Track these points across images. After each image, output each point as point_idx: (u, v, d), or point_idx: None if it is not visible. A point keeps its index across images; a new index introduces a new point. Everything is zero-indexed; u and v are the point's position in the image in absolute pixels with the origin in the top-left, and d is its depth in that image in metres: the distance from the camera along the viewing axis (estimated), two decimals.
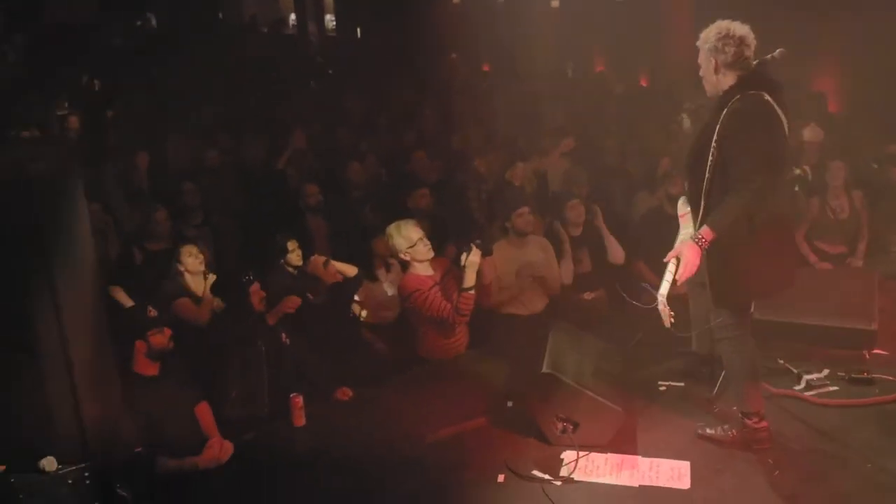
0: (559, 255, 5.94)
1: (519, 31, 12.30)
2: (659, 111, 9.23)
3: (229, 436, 4.27)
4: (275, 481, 4.01)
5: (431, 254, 5.18)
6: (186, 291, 5.30)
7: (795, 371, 4.62)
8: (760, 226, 3.60)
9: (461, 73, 12.63)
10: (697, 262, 3.59)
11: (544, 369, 4.02)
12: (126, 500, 3.30)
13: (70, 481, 3.09)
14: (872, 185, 6.96)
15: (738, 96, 3.57)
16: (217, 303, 5.24)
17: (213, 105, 10.09)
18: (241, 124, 9.47)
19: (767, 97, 3.58)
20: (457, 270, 5.06)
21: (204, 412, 4.31)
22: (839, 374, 4.58)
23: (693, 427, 4.13)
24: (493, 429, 4.32)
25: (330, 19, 18.07)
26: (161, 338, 4.18)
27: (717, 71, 3.67)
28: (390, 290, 5.68)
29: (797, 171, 6.62)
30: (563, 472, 3.88)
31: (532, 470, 3.91)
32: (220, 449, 4.16)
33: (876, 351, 4.80)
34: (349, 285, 5.49)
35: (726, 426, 4.03)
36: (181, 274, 5.36)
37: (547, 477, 3.85)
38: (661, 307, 3.72)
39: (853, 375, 4.55)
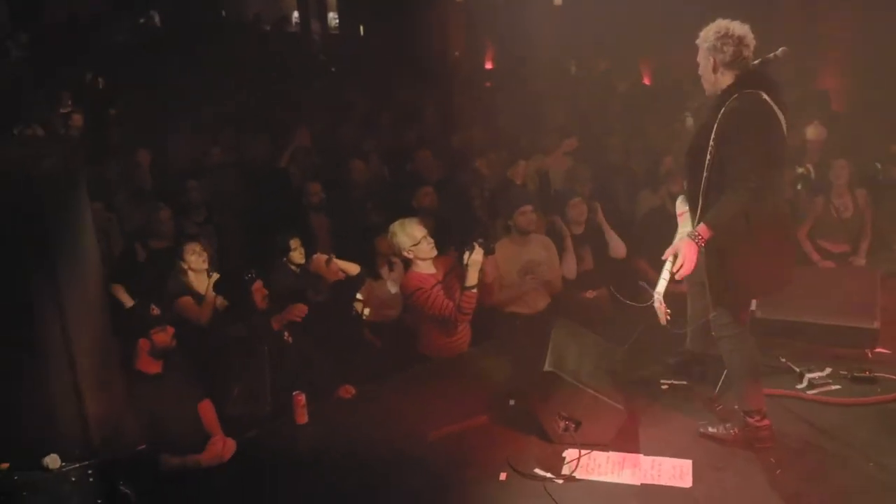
0: (561, 250, 5.95)
1: (522, 29, 12.29)
2: (662, 109, 9.23)
3: (232, 433, 4.27)
4: (277, 479, 4.02)
5: (435, 252, 5.18)
6: (189, 289, 5.31)
7: (797, 370, 4.61)
8: (758, 224, 3.61)
9: (464, 72, 12.63)
10: (695, 258, 3.61)
11: (546, 367, 4.02)
12: (129, 498, 3.32)
13: (73, 479, 3.11)
14: (876, 183, 6.95)
15: (736, 95, 3.58)
16: (220, 301, 5.25)
17: (216, 103, 10.09)
18: (244, 122, 9.49)
19: (765, 96, 3.59)
20: (459, 269, 5.06)
21: (207, 410, 4.31)
22: (841, 372, 4.58)
23: (695, 426, 4.13)
24: (495, 427, 4.32)
25: (333, 17, 18.06)
26: (164, 336, 4.18)
27: (715, 70, 3.68)
28: (393, 289, 5.68)
29: (800, 170, 6.63)
30: (565, 470, 3.88)
31: (534, 468, 3.91)
32: (222, 447, 4.17)
33: (878, 349, 4.80)
34: (351, 283, 5.50)
35: (728, 425, 4.04)
36: (184, 272, 5.37)
37: (549, 475, 3.85)
38: (657, 305, 3.75)
39: (855, 374, 4.55)
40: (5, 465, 3.04)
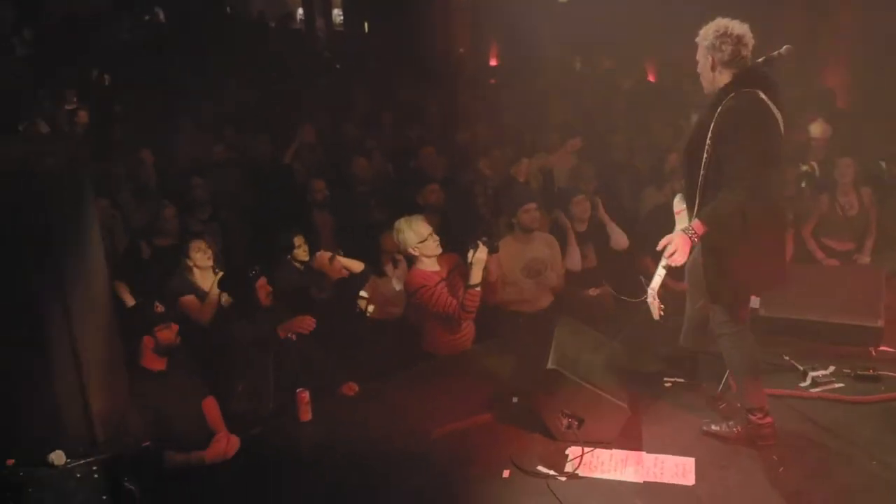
0: (564, 244, 5.96)
1: (526, 27, 12.27)
2: (667, 106, 9.22)
3: (236, 430, 4.29)
4: (281, 476, 4.03)
5: (440, 250, 5.19)
6: (194, 287, 5.32)
7: (801, 368, 4.61)
8: (754, 222, 3.63)
9: (468, 69, 12.62)
10: (687, 251, 3.65)
11: (549, 365, 4.03)
12: (133, 494, 3.32)
13: (78, 475, 3.12)
14: (881, 182, 6.94)
15: (733, 94, 3.60)
16: (225, 298, 5.26)
17: (220, 100, 10.10)
18: (248, 119, 9.49)
19: (762, 95, 3.60)
20: (463, 267, 5.07)
21: (211, 407, 4.33)
22: (845, 370, 4.58)
23: (698, 423, 4.14)
24: (498, 424, 4.33)
25: (337, 14, 18.06)
26: (168, 333, 4.19)
27: (713, 68, 3.69)
28: (398, 286, 5.68)
29: (804, 168, 6.63)
30: (568, 467, 3.89)
31: (537, 465, 3.92)
32: (226, 443, 4.17)
33: (882, 348, 4.80)
34: (355, 281, 5.50)
35: (731, 423, 4.04)
36: (189, 269, 5.39)
37: (552, 472, 3.86)
38: (650, 300, 3.82)
39: (859, 372, 4.55)
40: (11, 462, 3.05)
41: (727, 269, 3.74)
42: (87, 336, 3.14)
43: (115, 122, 9.37)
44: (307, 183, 7.02)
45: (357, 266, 5.54)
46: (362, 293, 5.63)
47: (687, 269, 4.15)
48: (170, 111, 9.44)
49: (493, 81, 12.29)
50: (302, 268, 5.60)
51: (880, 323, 4.73)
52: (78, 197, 3.30)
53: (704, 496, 3.66)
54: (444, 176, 7.52)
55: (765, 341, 4.63)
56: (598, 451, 3.98)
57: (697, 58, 3.76)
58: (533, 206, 5.66)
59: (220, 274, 5.27)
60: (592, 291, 6.02)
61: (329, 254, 5.51)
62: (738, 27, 3.64)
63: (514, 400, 4.46)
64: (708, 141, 3.60)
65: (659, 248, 3.76)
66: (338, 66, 13.70)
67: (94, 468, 3.15)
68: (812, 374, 4.55)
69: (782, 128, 3.69)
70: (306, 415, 4.46)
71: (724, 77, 3.67)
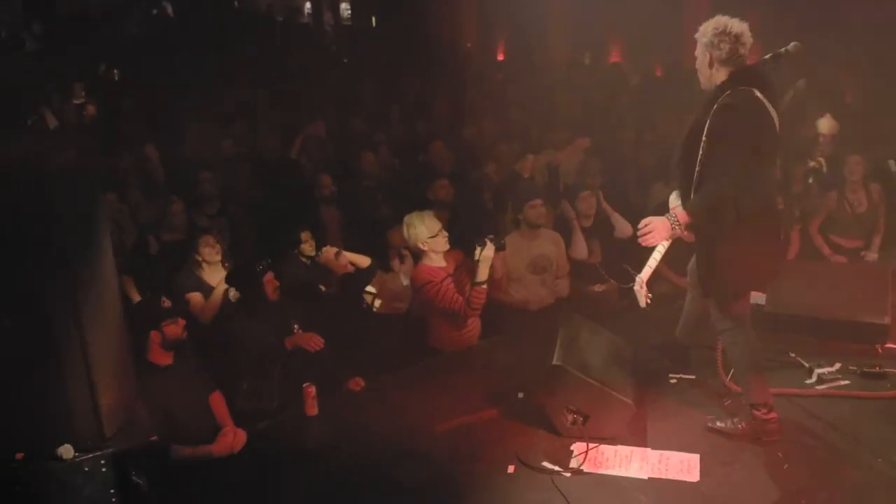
0: (570, 233, 5.97)
1: (535, 21, 12.25)
2: (674, 102, 9.17)
3: (242, 425, 4.32)
4: (287, 470, 4.05)
5: (448, 246, 5.20)
6: (201, 283, 5.33)
7: (807, 365, 4.62)
8: (746, 218, 3.65)
9: (475, 63, 12.59)
10: (664, 235, 3.72)
11: (554, 361, 4.04)
12: (141, 488, 3.35)
13: (86, 469, 3.14)
14: (890, 178, 6.90)
15: (729, 92, 3.62)
16: (233, 293, 5.28)
17: (228, 94, 10.11)
18: (256, 114, 9.50)
19: (758, 93, 3.62)
20: (470, 263, 5.08)
21: (218, 401, 4.36)
22: (851, 368, 4.58)
23: (703, 420, 4.15)
24: (503, 420, 4.35)
25: (345, 8, 18.05)
26: (175, 328, 4.22)
27: (711, 65, 3.72)
28: (406, 281, 5.69)
29: (811, 164, 6.61)
30: (573, 463, 3.90)
31: (542, 461, 3.93)
32: (233, 437, 4.20)
33: (888, 345, 4.80)
34: (361, 276, 5.51)
35: (736, 419, 4.05)
36: (198, 264, 5.41)
37: (557, 468, 3.87)
38: (637, 287, 3.87)
39: (865, 369, 4.55)
40: (20, 456, 3.08)
41: (718, 265, 3.78)
42: (96, 331, 3.15)
43: (122, 116, 9.39)
44: (314, 178, 7.03)
45: (364, 261, 5.55)
46: (369, 288, 5.64)
47: (689, 266, 4.19)
48: (177, 106, 9.45)
49: (499, 76, 12.26)
50: (309, 262, 5.61)
51: (887, 320, 4.73)
52: (86, 193, 3.31)
53: (709, 492, 3.67)
54: (452, 171, 7.52)
55: (770, 338, 4.66)
56: (603, 447, 3.99)
57: (696, 54, 3.79)
58: (539, 201, 5.66)
59: (227, 271, 5.29)
60: (598, 287, 6.02)
61: (335, 249, 5.52)
62: (737, 26, 3.66)
63: (520, 396, 4.47)
64: (704, 138, 3.62)
65: (640, 225, 3.79)
66: (345, 61, 13.70)
67: (103, 462, 3.16)
68: (818, 370, 4.56)
69: (778, 126, 3.71)
70: (313, 409, 4.48)
71: (721, 74, 3.69)
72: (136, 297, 5.15)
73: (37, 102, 8.51)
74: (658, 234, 3.70)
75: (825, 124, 7.30)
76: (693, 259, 4.09)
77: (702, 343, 4.47)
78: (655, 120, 8.81)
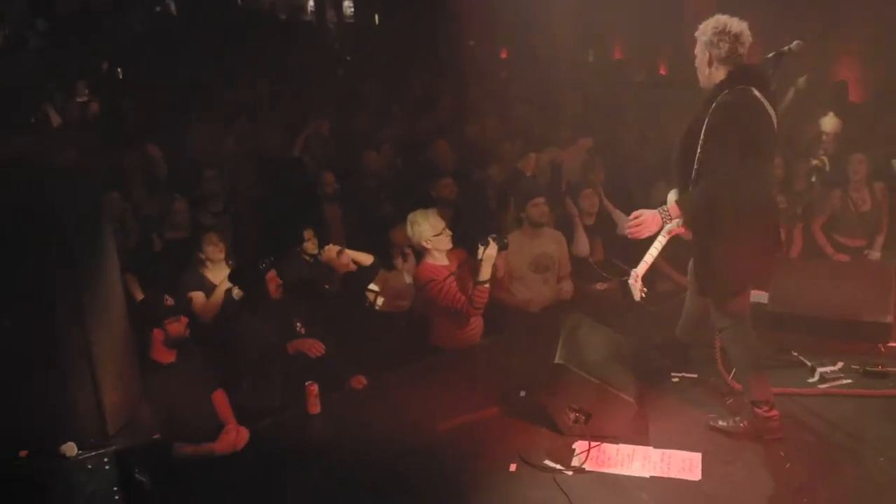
0: (571, 229, 5.98)
1: (538, 18, 12.21)
2: (679, 100, 9.15)
3: (245, 422, 4.33)
4: (290, 468, 4.06)
5: (451, 244, 5.21)
6: (204, 282, 5.34)
7: (809, 363, 4.61)
8: (741, 216, 3.66)
9: (479, 61, 12.56)
10: (653, 228, 3.74)
11: (557, 360, 4.04)
12: (144, 485, 3.36)
13: (90, 466, 3.15)
14: (894, 177, 6.89)
15: (727, 90, 3.63)
16: (237, 291, 5.29)
17: (231, 92, 10.11)
18: (259, 112, 9.50)
19: (756, 92, 3.63)
20: (472, 262, 5.08)
21: (220, 399, 4.36)
22: (853, 367, 4.58)
23: (705, 418, 4.15)
24: (505, 418, 4.35)
25: (348, 6, 18.03)
26: (178, 326, 4.22)
27: (710, 64, 3.73)
28: (409, 279, 5.69)
29: (814, 162, 6.60)
30: (575, 461, 3.90)
31: (544, 459, 3.94)
32: (236, 435, 4.21)
33: (891, 344, 4.79)
34: (363, 274, 5.52)
35: (737, 418, 4.05)
36: (202, 262, 5.41)
37: (559, 466, 3.88)
38: (631, 281, 3.87)
39: (867, 368, 4.54)
40: (24, 453, 3.09)
41: (715, 262, 3.80)
42: (99, 330, 3.17)
43: (126, 114, 9.40)
44: (317, 176, 7.03)
45: (367, 259, 5.56)
46: (372, 286, 5.64)
47: (689, 265, 4.20)
48: (180, 104, 9.46)
49: (503, 74, 12.24)
50: (311, 261, 5.62)
51: (890, 319, 4.73)
52: (89, 191, 3.33)
53: (710, 491, 3.68)
54: (455, 169, 7.51)
55: (773, 337, 4.66)
56: (605, 445, 4.00)
57: (696, 52, 3.80)
58: (541, 200, 5.66)
59: (230, 271, 5.29)
60: (600, 286, 6.02)
61: (337, 247, 5.52)
62: (737, 25, 3.67)
63: (522, 394, 4.47)
64: (702, 136, 3.64)
65: (629, 218, 3.82)
66: (348, 59, 13.70)
67: (106, 459, 3.18)
68: (820, 369, 4.55)
69: (775, 124, 3.73)
70: (315, 407, 4.49)
71: (719, 73, 3.71)
72: (140, 296, 5.15)
73: (40, 100, 8.53)
74: (647, 226, 3.73)
75: (828, 122, 7.29)
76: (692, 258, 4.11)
77: (702, 342, 4.46)
78: (659, 118, 8.79)
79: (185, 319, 4.31)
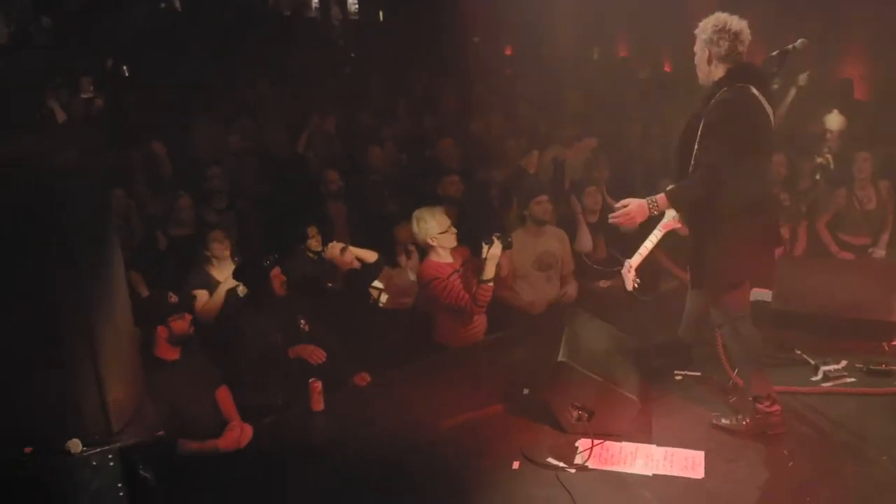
0: (574, 225, 5.97)
1: (543, 15, 12.19)
2: (683, 97, 9.12)
3: (249, 419, 4.34)
4: (293, 465, 4.07)
5: (455, 242, 5.21)
6: (209, 280, 5.35)
7: (813, 362, 4.61)
8: (736, 212, 3.68)
9: (483, 58, 12.54)
10: (639, 218, 3.79)
11: (560, 358, 4.05)
12: (149, 482, 3.37)
13: (94, 463, 3.16)
14: None
15: (726, 88, 3.65)
16: (241, 288, 5.29)
17: (236, 89, 10.11)
18: (263, 109, 9.51)
19: (754, 90, 3.64)
20: (476, 260, 5.09)
21: (224, 396, 4.38)
22: (857, 365, 4.57)
23: (708, 416, 4.15)
24: (508, 416, 4.36)
25: (353, 3, 18.01)
26: (182, 323, 4.23)
27: (709, 62, 3.75)
28: (413, 276, 5.69)
29: (818, 160, 6.59)
30: (578, 459, 3.91)
31: (547, 457, 3.95)
32: (240, 432, 4.22)
33: (895, 342, 4.78)
34: (367, 272, 5.52)
35: (740, 416, 4.06)
36: (208, 260, 5.42)
37: (561, 464, 3.89)
38: (624, 271, 3.95)
39: (871, 367, 4.54)
40: (28, 450, 3.10)
41: (708, 256, 3.82)
42: (104, 327, 3.17)
43: (130, 111, 9.41)
44: (321, 173, 7.03)
45: (370, 256, 5.56)
46: (376, 283, 5.65)
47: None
48: (185, 101, 9.46)
49: (508, 71, 12.23)
50: (315, 258, 5.63)
51: (894, 317, 4.72)
52: (94, 189, 3.33)
53: (713, 489, 3.68)
54: (459, 167, 7.50)
55: (776, 335, 4.66)
56: (608, 443, 4.00)
57: (695, 49, 3.82)
58: (544, 198, 5.66)
59: (234, 270, 5.30)
60: (603, 283, 6.02)
61: (341, 245, 5.52)
62: (737, 23, 3.69)
63: (525, 392, 4.49)
64: (699, 132, 3.66)
65: (616, 206, 3.85)
66: (353, 55, 13.69)
67: (110, 456, 3.19)
68: (824, 368, 4.55)
69: (773, 122, 3.74)
70: (319, 404, 4.50)
71: (719, 71, 3.73)
72: (145, 293, 5.16)
73: (45, 97, 8.53)
74: (633, 215, 3.77)
75: (833, 120, 7.27)
76: None
77: (704, 340, 4.47)
78: (663, 115, 8.77)
79: (189, 317, 4.32)
